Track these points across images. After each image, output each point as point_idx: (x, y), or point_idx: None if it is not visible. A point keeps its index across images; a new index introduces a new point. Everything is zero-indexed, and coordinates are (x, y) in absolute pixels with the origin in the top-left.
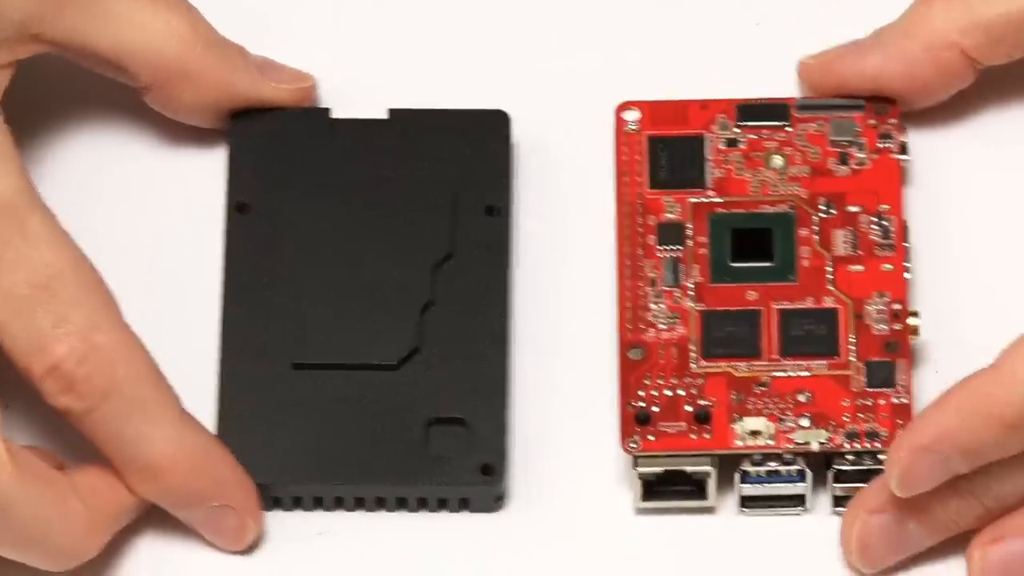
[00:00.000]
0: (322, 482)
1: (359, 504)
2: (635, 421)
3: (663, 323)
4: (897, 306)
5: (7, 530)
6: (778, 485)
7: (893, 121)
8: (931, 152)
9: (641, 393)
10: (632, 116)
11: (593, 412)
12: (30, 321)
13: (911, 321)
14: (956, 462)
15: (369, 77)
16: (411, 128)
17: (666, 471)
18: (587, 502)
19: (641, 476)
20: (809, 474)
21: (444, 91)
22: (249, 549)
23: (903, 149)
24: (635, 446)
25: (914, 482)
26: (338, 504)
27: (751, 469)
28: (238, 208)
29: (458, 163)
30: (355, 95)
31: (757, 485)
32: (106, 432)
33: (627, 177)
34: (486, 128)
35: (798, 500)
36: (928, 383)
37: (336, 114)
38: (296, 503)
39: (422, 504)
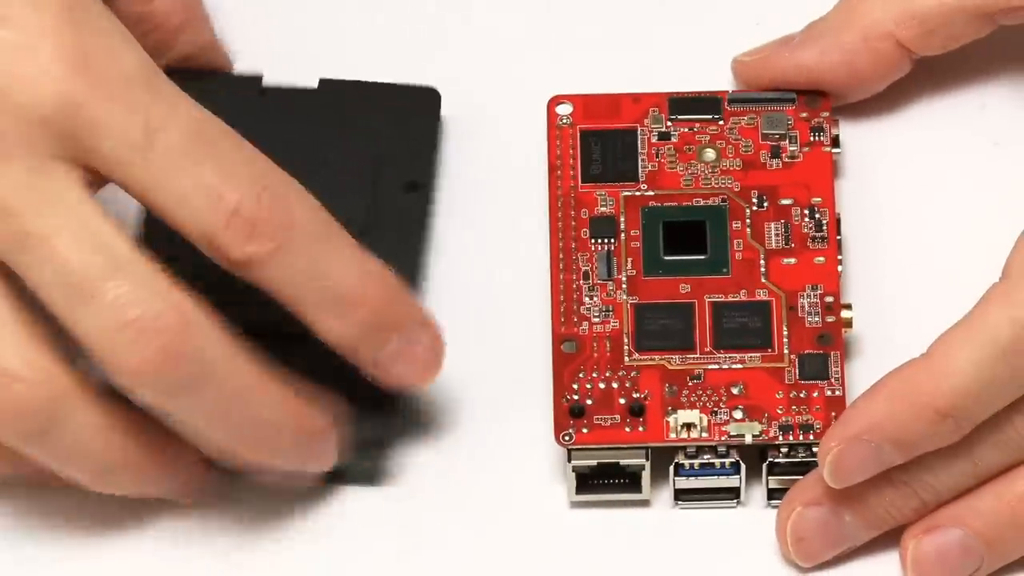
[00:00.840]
0: None
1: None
2: (569, 414)
3: (596, 316)
4: (830, 299)
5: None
6: (712, 478)
7: (825, 114)
8: (863, 144)
9: (575, 386)
10: (564, 110)
11: (525, 404)
12: (198, 175)
13: (844, 314)
14: (888, 452)
15: (305, 47)
16: (340, 99)
17: (600, 464)
18: (521, 495)
19: (575, 469)
20: (743, 467)
21: (380, 67)
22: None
23: (835, 142)
24: (569, 439)
25: (847, 472)
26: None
27: (685, 462)
28: None
29: (384, 137)
30: (289, 65)
31: (691, 478)
32: (295, 271)
33: (560, 171)
34: (416, 104)
35: (732, 493)
36: (861, 375)
37: (268, 82)
38: None
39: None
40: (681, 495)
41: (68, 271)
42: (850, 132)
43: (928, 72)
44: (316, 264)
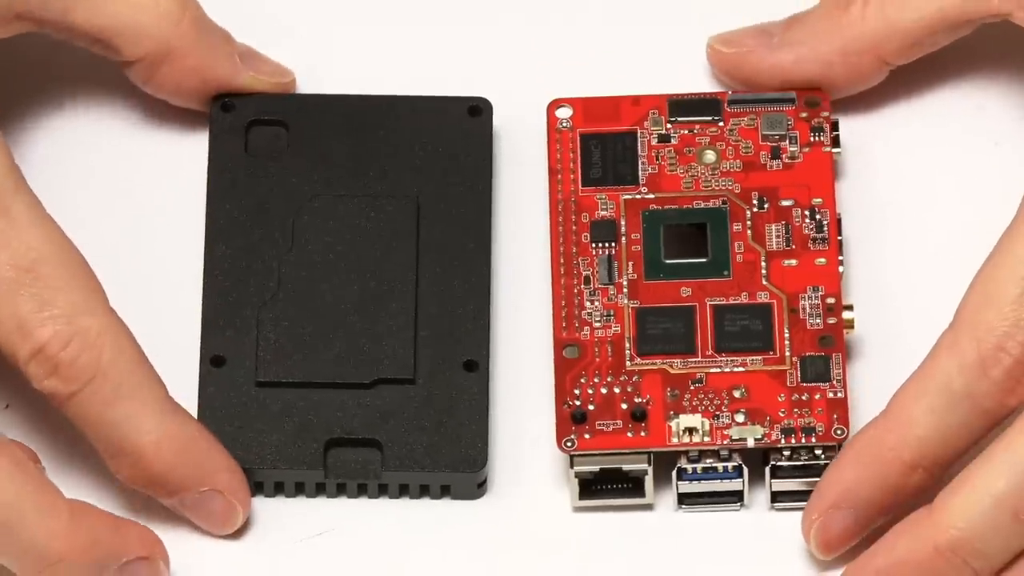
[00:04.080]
0: (306, 468)
1: (341, 491)
2: (571, 420)
3: (598, 321)
4: (831, 300)
5: None
6: (715, 482)
7: (825, 114)
8: (864, 144)
9: (577, 392)
10: (564, 113)
11: (529, 411)
12: (13, 305)
13: (846, 315)
14: (867, 514)
15: (303, 57)
16: (383, 114)
17: (602, 469)
18: (525, 501)
19: (578, 475)
20: (746, 470)
21: (381, 74)
22: (241, 537)
23: (835, 142)
24: (571, 445)
25: (832, 543)
26: (319, 491)
27: (688, 466)
28: (217, 191)
29: (429, 154)
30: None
31: (694, 482)
32: (91, 415)
33: (560, 175)
34: (460, 115)
35: (736, 496)
36: (864, 377)
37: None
38: (278, 489)
39: (403, 491)
40: (684, 499)
41: None
42: (850, 132)
43: (927, 72)
44: (113, 413)
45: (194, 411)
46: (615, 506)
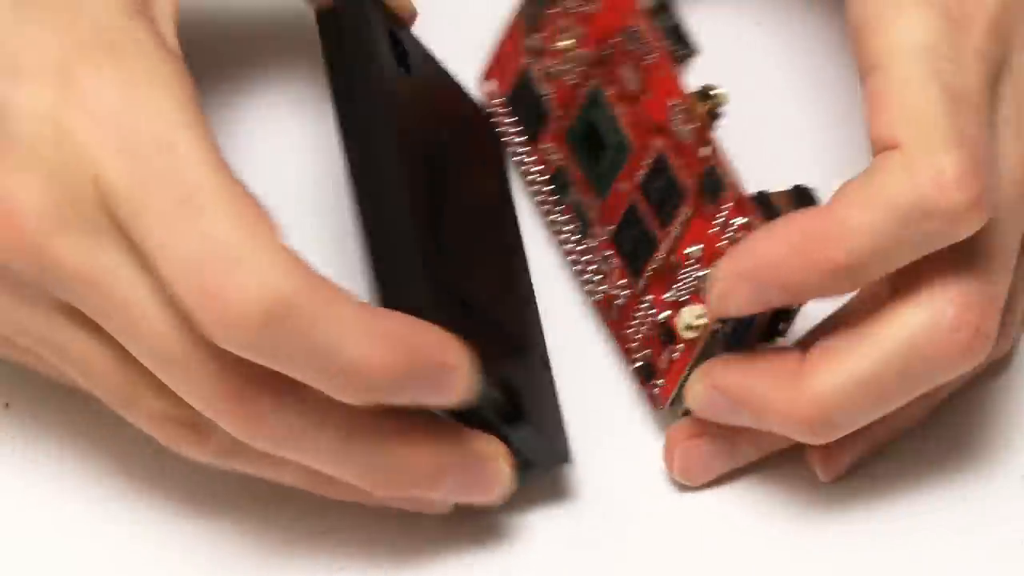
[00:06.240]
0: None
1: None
2: (644, 374)
3: (602, 266)
4: (679, 103)
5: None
6: (747, 327)
7: None
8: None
9: (635, 346)
10: (490, 87)
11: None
12: (176, 244)
13: (712, 102)
14: (773, 294)
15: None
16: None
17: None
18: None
19: (685, 411)
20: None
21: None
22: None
23: None
24: (662, 407)
25: (728, 306)
26: None
27: (720, 338)
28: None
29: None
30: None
31: (733, 343)
32: (286, 357)
33: (510, 146)
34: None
35: (773, 330)
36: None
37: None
38: None
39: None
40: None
41: None
42: None
43: None
44: (314, 341)
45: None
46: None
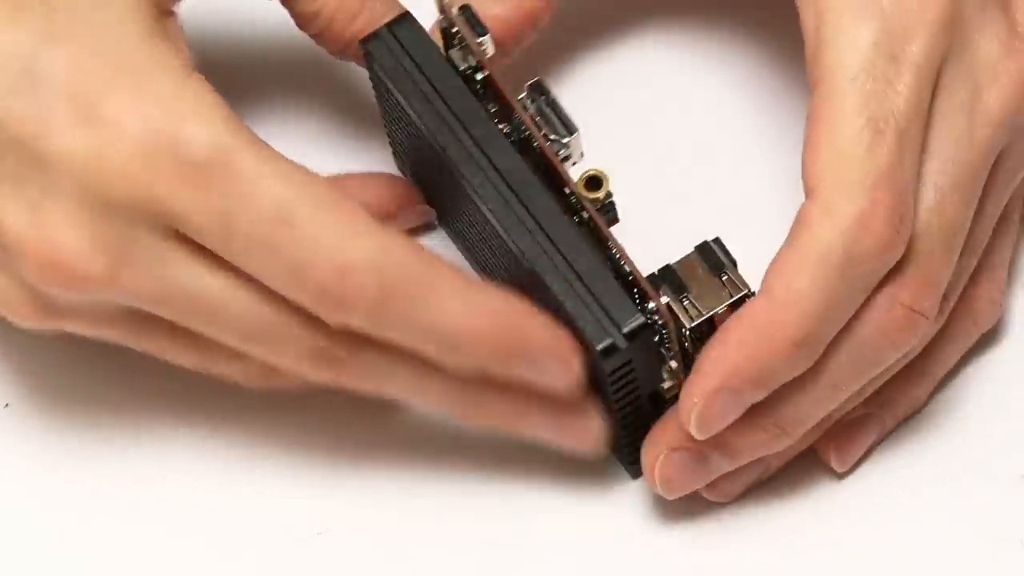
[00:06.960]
0: None
1: None
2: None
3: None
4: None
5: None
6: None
7: None
8: None
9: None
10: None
11: None
12: (279, 261)
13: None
14: (749, 394)
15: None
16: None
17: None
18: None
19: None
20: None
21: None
22: (245, 549)
23: None
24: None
25: (712, 424)
26: None
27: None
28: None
29: None
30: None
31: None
32: (396, 333)
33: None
34: None
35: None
36: None
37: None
38: None
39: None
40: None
41: None
42: None
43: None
44: (417, 318)
45: None
46: None
